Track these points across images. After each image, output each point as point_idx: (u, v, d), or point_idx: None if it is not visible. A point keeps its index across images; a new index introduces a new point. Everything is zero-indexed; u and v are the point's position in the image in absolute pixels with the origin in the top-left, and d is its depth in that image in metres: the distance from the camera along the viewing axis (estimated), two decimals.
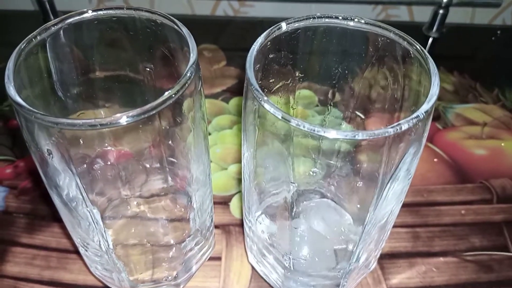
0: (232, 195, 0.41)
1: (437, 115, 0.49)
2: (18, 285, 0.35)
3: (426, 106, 0.20)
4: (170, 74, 0.29)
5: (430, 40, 0.57)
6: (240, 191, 0.41)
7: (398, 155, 0.22)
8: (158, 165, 0.34)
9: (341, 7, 0.59)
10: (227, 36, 0.58)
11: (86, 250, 0.32)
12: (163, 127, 0.28)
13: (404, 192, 0.27)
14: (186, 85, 0.22)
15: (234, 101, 0.49)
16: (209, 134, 0.46)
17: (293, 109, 0.31)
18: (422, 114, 0.20)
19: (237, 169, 0.43)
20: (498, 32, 0.59)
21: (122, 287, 0.32)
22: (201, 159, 0.31)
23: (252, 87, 0.21)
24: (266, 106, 0.21)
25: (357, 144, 0.23)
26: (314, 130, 0.19)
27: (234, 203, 0.40)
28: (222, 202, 0.41)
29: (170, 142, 0.30)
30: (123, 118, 0.20)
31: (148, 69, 0.30)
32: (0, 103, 0.48)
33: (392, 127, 0.19)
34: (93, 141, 0.25)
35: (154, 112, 0.21)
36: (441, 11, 0.55)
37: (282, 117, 0.20)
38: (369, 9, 0.61)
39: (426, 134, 0.22)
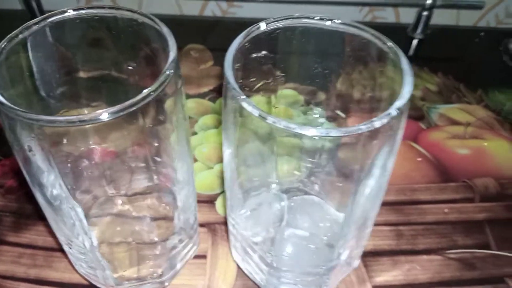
0: (218, 194, 0.41)
1: (421, 115, 0.49)
2: (4, 284, 0.35)
3: (398, 103, 0.21)
4: (153, 73, 0.29)
5: (415, 41, 0.58)
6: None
7: (372, 152, 0.22)
8: (142, 164, 0.34)
9: (328, 8, 0.59)
10: (214, 36, 0.58)
11: (70, 248, 0.32)
12: (147, 126, 0.28)
13: (383, 189, 0.28)
14: (166, 82, 0.22)
15: (220, 101, 0.50)
16: (195, 133, 0.46)
17: (275, 107, 0.32)
18: (395, 111, 0.20)
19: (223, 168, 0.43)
20: (482, 34, 0.60)
21: (107, 285, 0.33)
22: (185, 158, 0.32)
23: (230, 85, 0.22)
24: (244, 104, 0.21)
25: (335, 142, 0.24)
26: (289, 128, 0.20)
27: (219, 202, 0.41)
28: (208, 201, 0.41)
29: (154, 141, 0.30)
30: (104, 115, 0.20)
31: (131, 68, 0.30)
32: None
33: (364, 125, 0.20)
34: (76, 139, 0.26)
35: (134, 108, 0.21)
36: (425, 13, 0.56)
37: (259, 115, 0.20)
38: (356, 11, 0.62)
39: (400, 132, 0.23)
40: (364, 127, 0.19)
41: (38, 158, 0.25)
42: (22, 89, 0.27)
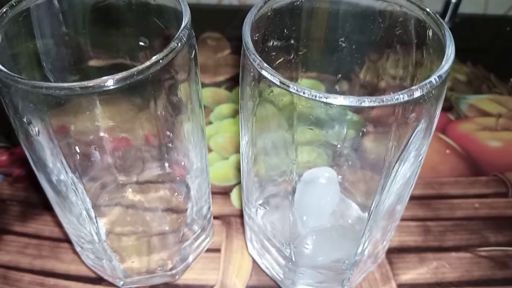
0: (233, 185, 0.39)
1: (449, 106, 0.47)
2: (8, 274, 0.33)
3: (439, 71, 0.18)
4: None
5: None
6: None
7: (407, 130, 0.20)
8: (155, 151, 0.32)
9: None
10: (232, 25, 0.56)
11: (77, 238, 0.30)
12: (159, 109, 0.26)
13: (414, 177, 0.25)
14: (177, 49, 0.20)
15: (237, 90, 0.48)
16: (211, 123, 0.45)
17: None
18: (436, 79, 0.18)
19: (239, 159, 0.41)
20: None
21: (114, 277, 0.31)
22: (199, 146, 0.30)
23: (248, 51, 0.20)
24: (264, 72, 0.19)
25: (364, 120, 0.21)
26: (316, 97, 0.18)
27: (235, 194, 0.39)
28: (223, 192, 0.39)
29: (167, 126, 0.29)
30: (109, 82, 0.18)
31: (143, 44, 0.28)
32: None
33: (402, 93, 0.17)
34: (81, 116, 0.24)
35: (141, 76, 0.19)
36: (453, 0, 0.53)
37: (280, 83, 0.18)
38: None
39: (439, 107, 0.21)
40: (401, 96, 0.17)
41: (40, 136, 0.23)
42: (24, 63, 0.25)
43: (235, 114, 0.45)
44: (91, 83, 0.18)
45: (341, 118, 0.27)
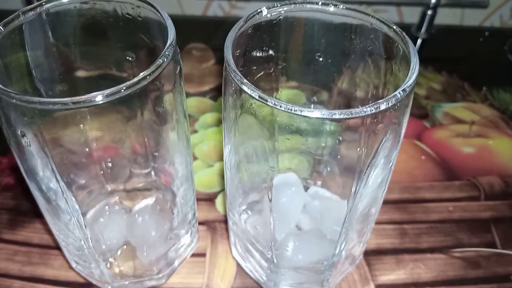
0: (218, 192, 0.41)
1: (425, 114, 0.48)
2: None
3: (404, 85, 0.20)
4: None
5: (419, 41, 0.57)
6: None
7: (377, 139, 0.22)
8: (142, 159, 0.33)
9: None
10: (217, 36, 0.58)
11: (66, 244, 0.31)
12: (145, 119, 0.27)
13: (386, 181, 0.27)
14: (163, 65, 0.22)
15: (221, 99, 0.49)
16: (196, 131, 0.46)
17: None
18: (401, 92, 0.20)
19: (223, 166, 0.43)
20: (486, 33, 0.59)
21: (103, 282, 0.32)
22: (184, 155, 0.31)
23: (229, 68, 0.21)
24: (244, 87, 0.20)
25: (338, 128, 0.23)
26: (291, 110, 0.19)
27: (219, 200, 0.40)
28: (208, 199, 0.40)
29: (153, 137, 0.30)
30: (99, 97, 0.20)
31: (130, 59, 0.29)
32: None
33: (369, 106, 0.19)
34: (72, 128, 0.25)
35: (129, 92, 0.21)
36: (429, 12, 0.55)
37: (259, 97, 0.20)
38: None
39: (406, 118, 0.22)
40: (369, 109, 0.19)
41: (32, 147, 0.24)
42: (17, 77, 0.26)
43: (219, 123, 0.47)
44: (82, 98, 0.20)
45: (319, 127, 0.29)
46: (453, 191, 0.41)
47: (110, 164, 0.33)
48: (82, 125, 0.26)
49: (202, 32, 0.58)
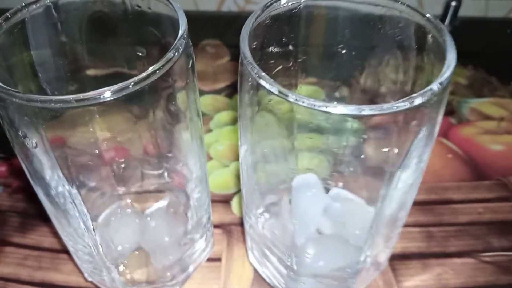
0: (234, 193, 0.39)
1: (451, 110, 0.46)
2: (7, 286, 0.33)
3: (441, 78, 0.18)
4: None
5: None
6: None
7: (409, 137, 0.20)
8: (154, 161, 0.32)
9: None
10: (231, 32, 0.56)
11: (76, 250, 0.30)
12: (157, 122, 0.26)
13: (417, 184, 0.25)
14: (173, 59, 0.20)
15: (237, 97, 0.47)
16: (211, 130, 0.44)
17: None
18: (437, 86, 0.18)
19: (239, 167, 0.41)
20: None
21: None
22: (197, 155, 0.30)
23: (246, 60, 0.19)
24: (262, 82, 0.19)
25: (364, 127, 0.21)
26: (314, 106, 0.17)
27: (235, 202, 0.38)
28: (223, 201, 0.39)
29: (165, 137, 0.29)
30: (107, 93, 0.18)
31: (140, 54, 0.28)
32: None
33: (403, 101, 0.17)
34: (78, 128, 0.24)
35: (138, 87, 0.19)
36: (453, 3, 0.53)
37: (279, 92, 0.18)
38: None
39: (441, 114, 0.20)
40: (403, 104, 0.17)
41: (38, 149, 0.23)
42: (20, 76, 0.25)
43: (235, 121, 0.45)
44: (87, 95, 0.18)
45: (341, 125, 0.27)
46: (482, 191, 0.39)
47: (121, 166, 0.32)
48: (90, 125, 0.25)
49: (217, 28, 0.57)
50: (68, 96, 0.18)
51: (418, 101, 0.17)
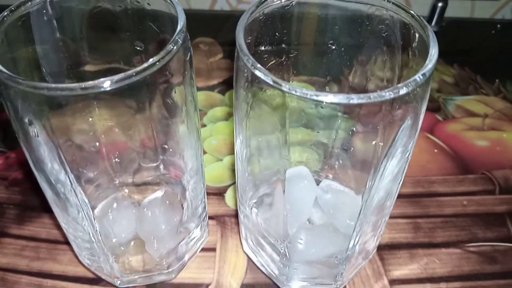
0: (228, 186, 0.40)
1: (437, 107, 0.48)
2: (5, 276, 0.34)
3: (424, 69, 0.19)
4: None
5: None
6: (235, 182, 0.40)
7: (394, 128, 0.21)
8: (151, 152, 0.33)
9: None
10: (224, 30, 0.57)
11: (75, 238, 0.31)
12: (154, 114, 0.27)
13: (402, 173, 0.26)
14: (172, 52, 0.21)
15: (230, 93, 0.48)
16: (205, 125, 0.45)
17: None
18: (420, 77, 0.19)
19: (233, 160, 0.42)
20: (498, 26, 0.58)
21: (112, 276, 0.31)
22: (194, 147, 0.31)
23: (242, 52, 0.21)
24: (257, 72, 0.20)
25: (353, 117, 0.22)
26: (307, 95, 0.18)
27: (229, 194, 0.39)
28: (217, 193, 0.40)
29: (162, 129, 0.29)
30: (106, 83, 0.19)
31: (139, 48, 0.29)
32: None
33: (388, 91, 0.18)
34: (80, 119, 0.25)
35: (138, 78, 0.20)
36: (440, 4, 0.54)
37: (273, 82, 0.19)
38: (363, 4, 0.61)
39: (424, 105, 0.21)
40: (388, 93, 0.18)
41: (40, 137, 0.24)
42: (24, 68, 0.25)
43: (228, 116, 0.46)
44: (90, 84, 0.19)
45: (331, 118, 0.28)
46: (468, 184, 0.41)
47: (118, 157, 0.32)
48: (90, 117, 0.25)
49: (209, 27, 0.58)
50: (74, 85, 0.19)
51: (402, 91, 0.18)
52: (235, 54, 0.22)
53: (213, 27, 0.58)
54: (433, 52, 0.20)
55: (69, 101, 0.21)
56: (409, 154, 0.25)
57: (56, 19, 0.27)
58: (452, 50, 0.55)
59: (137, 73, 0.20)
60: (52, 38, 0.28)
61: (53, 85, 0.19)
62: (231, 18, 0.60)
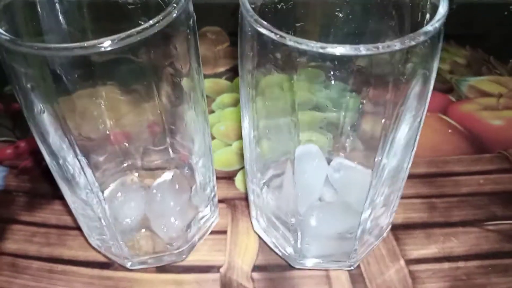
0: (237, 170, 0.40)
1: (449, 88, 0.47)
2: (16, 262, 0.33)
3: (434, 21, 0.19)
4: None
5: None
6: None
7: (403, 88, 0.20)
8: (160, 135, 0.32)
9: None
10: (231, 20, 0.57)
11: (85, 219, 0.30)
12: (161, 93, 0.26)
13: (414, 141, 0.25)
14: (174, 13, 0.21)
15: (237, 80, 0.48)
16: (213, 111, 0.45)
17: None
18: (431, 27, 0.18)
19: (241, 145, 0.42)
20: (511, 7, 0.57)
21: (122, 257, 0.31)
22: (202, 126, 0.30)
23: (245, 12, 0.20)
24: (262, 30, 0.19)
25: (363, 79, 0.21)
26: (313, 48, 0.18)
27: (239, 178, 0.39)
28: (227, 177, 0.39)
29: (169, 110, 0.29)
30: (106, 43, 0.19)
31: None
32: (1, 87, 0.48)
33: (398, 41, 0.17)
34: (89, 103, 0.24)
35: (139, 38, 0.19)
36: None
37: (278, 37, 0.19)
38: None
39: (435, 66, 0.21)
40: (397, 44, 0.17)
41: (49, 117, 0.23)
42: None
43: (236, 103, 0.46)
44: (91, 43, 0.19)
45: (340, 96, 0.28)
46: (483, 164, 0.40)
47: (127, 140, 0.32)
48: (96, 98, 0.25)
49: (217, 16, 0.57)
50: (74, 44, 0.18)
51: (413, 41, 0.18)
52: (239, 14, 0.22)
53: (220, 17, 0.57)
54: (442, 8, 0.20)
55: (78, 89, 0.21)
56: (420, 120, 0.24)
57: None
58: (463, 34, 0.54)
59: (138, 32, 0.19)
60: (55, 22, 0.28)
61: (53, 45, 0.18)
62: (238, 8, 0.59)
